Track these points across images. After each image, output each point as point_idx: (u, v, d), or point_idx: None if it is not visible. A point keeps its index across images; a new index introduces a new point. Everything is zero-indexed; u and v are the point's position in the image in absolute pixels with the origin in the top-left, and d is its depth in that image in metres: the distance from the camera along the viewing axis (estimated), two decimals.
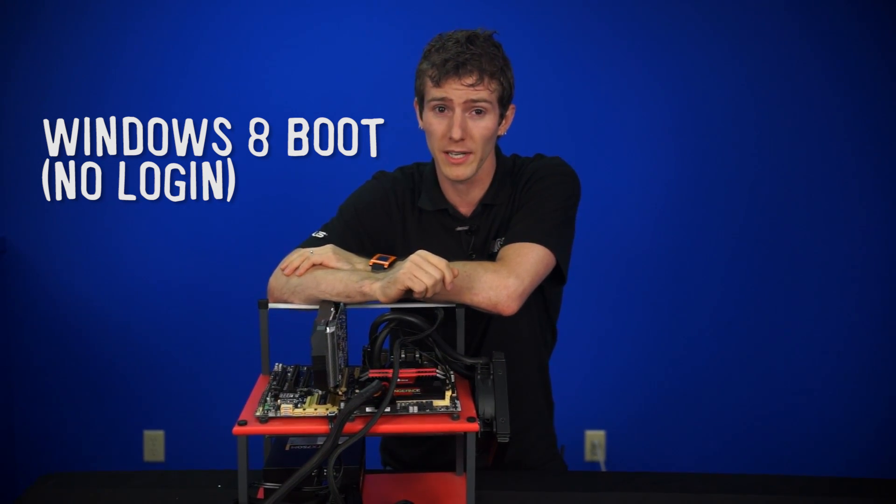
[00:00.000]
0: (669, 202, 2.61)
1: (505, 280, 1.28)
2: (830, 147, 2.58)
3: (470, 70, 1.34)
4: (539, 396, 1.57)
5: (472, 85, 1.34)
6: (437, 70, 1.35)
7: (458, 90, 1.34)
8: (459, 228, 1.46)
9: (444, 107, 1.37)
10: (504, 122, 1.44)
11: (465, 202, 1.48)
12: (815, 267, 2.62)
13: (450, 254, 1.31)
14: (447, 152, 1.38)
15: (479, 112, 1.37)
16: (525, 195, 1.43)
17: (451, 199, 1.48)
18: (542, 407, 1.58)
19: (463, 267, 1.27)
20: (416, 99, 1.46)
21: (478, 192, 1.47)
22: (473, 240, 1.46)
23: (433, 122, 1.39)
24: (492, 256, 1.43)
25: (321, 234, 1.44)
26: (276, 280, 1.32)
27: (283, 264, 1.31)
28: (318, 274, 1.27)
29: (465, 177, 1.39)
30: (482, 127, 1.37)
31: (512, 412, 1.10)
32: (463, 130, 1.36)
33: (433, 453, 1.53)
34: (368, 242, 1.46)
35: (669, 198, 2.61)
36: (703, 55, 2.56)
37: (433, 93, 1.37)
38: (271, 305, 1.26)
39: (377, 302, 1.21)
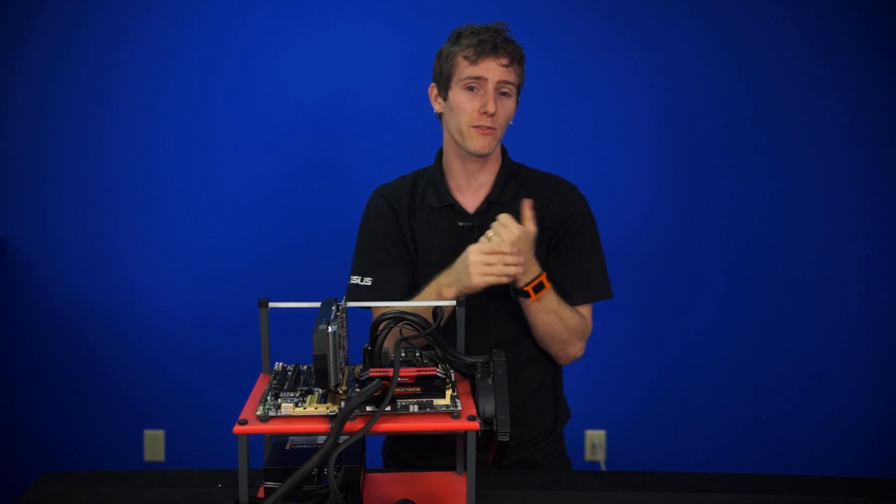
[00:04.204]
0: (670, 202, 2.61)
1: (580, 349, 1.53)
2: (830, 147, 2.58)
3: (505, 51, 1.44)
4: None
5: (505, 66, 1.44)
6: (473, 50, 1.43)
7: (494, 69, 1.43)
8: (463, 224, 1.51)
9: (474, 86, 1.45)
10: None
11: (471, 199, 1.54)
12: (815, 266, 2.62)
13: (453, 249, 1.42)
14: (477, 126, 1.45)
15: (504, 94, 1.46)
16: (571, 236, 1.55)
17: (456, 195, 1.54)
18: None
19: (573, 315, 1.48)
20: (433, 84, 1.53)
21: (483, 189, 1.54)
22: (476, 235, 1.49)
23: (463, 100, 1.46)
24: None
25: (368, 282, 1.50)
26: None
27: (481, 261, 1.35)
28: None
29: (489, 150, 1.47)
30: (507, 108, 1.47)
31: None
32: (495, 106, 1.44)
33: (434, 454, 1.54)
34: (404, 251, 1.53)
35: (670, 198, 2.61)
36: (704, 54, 2.56)
37: (468, 71, 1.44)
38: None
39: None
